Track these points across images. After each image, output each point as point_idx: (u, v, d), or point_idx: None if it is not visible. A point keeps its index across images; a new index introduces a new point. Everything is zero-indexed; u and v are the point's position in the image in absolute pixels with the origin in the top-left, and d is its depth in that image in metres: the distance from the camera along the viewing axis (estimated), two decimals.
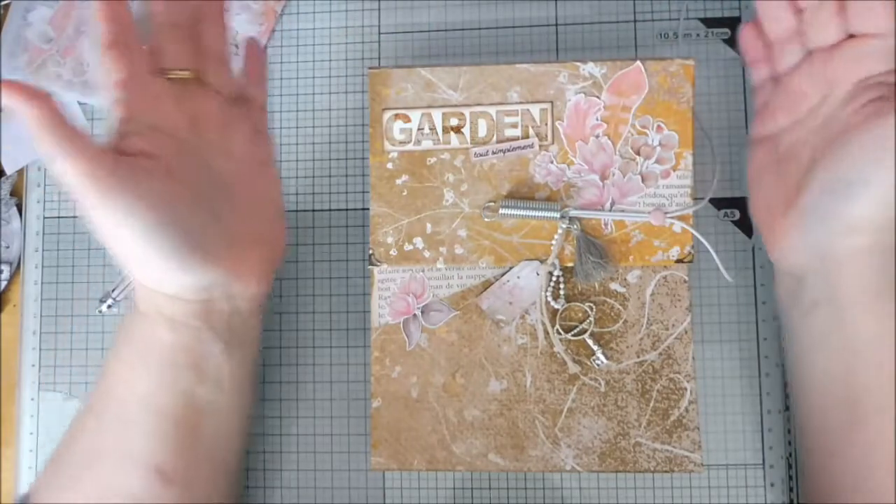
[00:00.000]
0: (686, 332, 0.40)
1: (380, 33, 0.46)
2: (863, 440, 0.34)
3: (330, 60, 0.47)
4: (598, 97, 0.40)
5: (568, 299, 0.41)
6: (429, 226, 0.41)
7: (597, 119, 0.40)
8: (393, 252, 0.41)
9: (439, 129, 0.41)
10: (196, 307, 0.37)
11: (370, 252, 0.42)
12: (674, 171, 0.40)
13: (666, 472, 0.39)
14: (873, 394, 0.34)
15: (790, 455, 0.42)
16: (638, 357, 0.40)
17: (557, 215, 0.40)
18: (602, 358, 0.40)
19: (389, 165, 0.42)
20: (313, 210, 0.46)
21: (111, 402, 0.37)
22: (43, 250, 0.47)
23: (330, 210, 0.45)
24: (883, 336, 0.34)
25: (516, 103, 0.41)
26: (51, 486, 0.37)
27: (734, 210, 0.44)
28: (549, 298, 0.41)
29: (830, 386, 0.36)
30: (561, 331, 0.40)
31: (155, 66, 0.36)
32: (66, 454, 0.37)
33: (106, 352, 0.39)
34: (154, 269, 0.35)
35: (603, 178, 0.40)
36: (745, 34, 0.39)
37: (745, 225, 0.44)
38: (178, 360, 0.37)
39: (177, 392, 0.37)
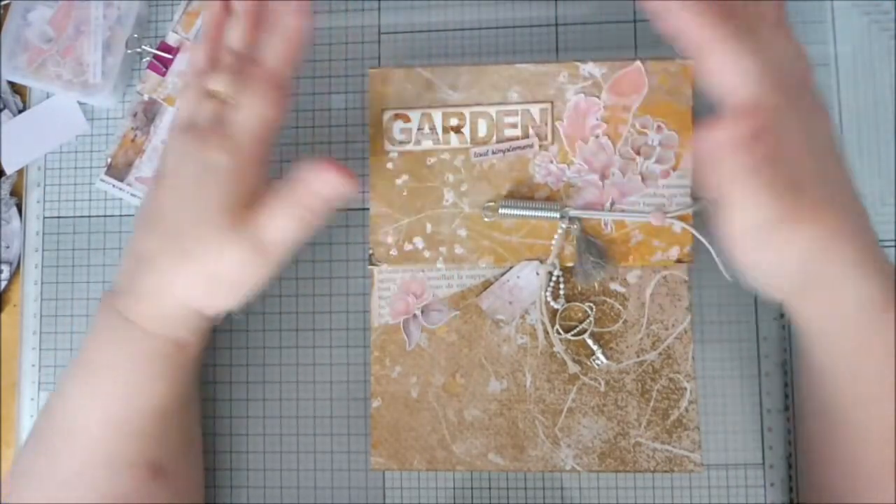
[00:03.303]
0: (686, 332, 0.40)
1: (380, 33, 0.46)
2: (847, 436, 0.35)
3: (330, 60, 0.47)
4: (598, 97, 0.40)
5: (568, 299, 0.41)
6: (429, 226, 0.41)
7: (597, 119, 0.40)
8: (393, 252, 0.41)
9: (439, 129, 0.41)
10: (210, 320, 0.39)
11: (370, 252, 0.42)
12: (674, 171, 0.40)
13: (666, 472, 0.39)
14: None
15: (790, 455, 0.42)
16: (638, 357, 0.40)
17: (557, 215, 0.40)
18: (602, 358, 0.40)
19: (389, 165, 0.42)
20: None
21: (101, 418, 0.37)
22: (43, 250, 0.47)
23: None
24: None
25: (516, 103, 0.41)
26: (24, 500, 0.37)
27: None
28: (549, 298, 0.41)
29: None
30: (561, 331, 0.40)
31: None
32: (38, 467, 0.37)
33: (69, 375, 0.38)
34: (238, 295, 0.37)
35: (603, 178, 0.40)
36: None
37: None
38: (179, 365, 0.38)
39: (179, 393, 0.39)
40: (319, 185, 0.36)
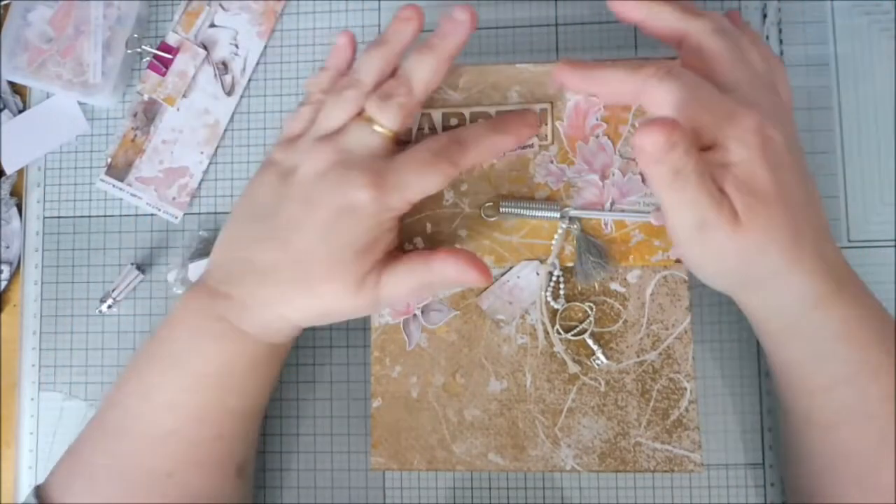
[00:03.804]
0: (686, 332, 0.40)
1: (380, 33, 0.46)
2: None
3: None
4: (597, 97, 0.40)
5: (568, 299, 0.41)
6: (429, 226, 0.41)
7: (597, 119, 0.40)
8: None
9: (439, 129, 0.41)
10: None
11: None
12: None
13: (666, 472, 0.39)
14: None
15: None
16: (638, 357, 0.40)
17: (557, 215, 0.40)
18: (602, 358, 0.40)
19: None
20: None
21: (184, 415, 0.36)
22: (43, 250, 0.47)
23: None
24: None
25: (516, 103, 0.41)
26: (91, 492, 0.36)
27: None
28: (549, 298, 0.41)
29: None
30: (561, 331, 0.40)
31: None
32: (118, 465, 0.36)
33: (149, 372, 0.37)
34: (341, 311, 0.37)
35: (603, 178, 0.40)
36: None
37: None
38: (274, 371, 0.39)
39: (264, 394, 0.39)
40: (453, 275, 0.36)
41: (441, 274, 0.36)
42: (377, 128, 0.36)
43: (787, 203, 0.33)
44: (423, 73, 0.37)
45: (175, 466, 0.36)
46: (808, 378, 0.35)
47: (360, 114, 0.36)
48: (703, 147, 0.33)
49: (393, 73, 0.38)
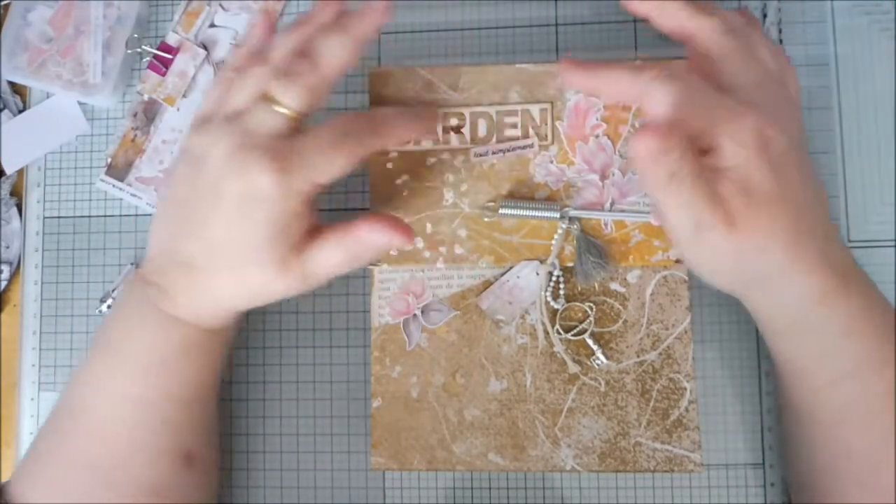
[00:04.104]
0: (686, 332, 0.40)
1: (380, 33, 0.46)
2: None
3: None
4: (598, 97, 0.40)
5: (568, 299, 0.41)
6: (429, 226, 0.41)
7: (597, 119, 0.40)
8: (393, 252, 0.41)
9: (439, 129, 0.41)
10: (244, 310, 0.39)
11: None
12: None
13: (666, 472, 0.39)
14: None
15: None
16: (638, 357, 0.40)
17: (557, 215, 0.40)
18: (602, 358, 0.40)
19: (389, 165, 0.42)
20: None
21: (128, 403, 0.37)
22: (43, 250, 0.47)
23: (330, 210, 0.45)
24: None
25: (516, 103, 0.41)
26: (48, 489, 0.37)
27: None
28: (549, 298, 0.41)
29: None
30: (561, 331, 0.40)
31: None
32: (66, 452, 0.37)
33: (95, 363, 0.38)
34: (271, 292, 0.37)
35: (603, 178, 0.40)
36: None
37: None
38: (215, 355, 0.39)
39: (205, 380, 0.39)
40: (379, 240, 0.36)
41: (368, 242, 0.36)
42: (279, 108, 0.34)
43: (787, 203, 0.33)
44: (331, 52, 0.35)
45: (121, 454, 0.36)
46: (812, 374, 0.35)
47: (264, 94, 0.35)
48: (703, 149, 0.33)
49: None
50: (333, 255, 0.36)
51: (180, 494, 0.38)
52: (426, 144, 0.42)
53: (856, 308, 0.34)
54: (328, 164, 0.34)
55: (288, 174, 0.33)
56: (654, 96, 0.33)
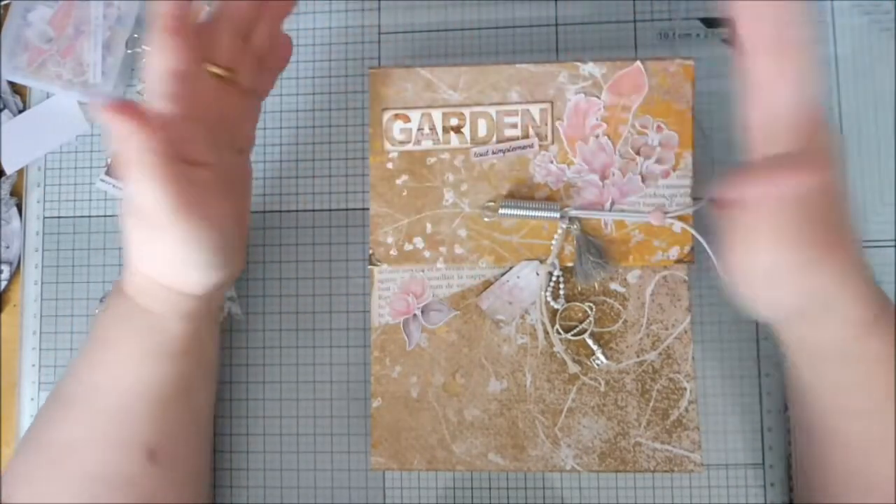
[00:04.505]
0: (686, 332, 0.40)
1: (380, 33, 0.46)
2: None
3: (330, 60, 0.47)
4: (598, 97, 0.40)
5: (568, 299, 0.41)
6: (429, 226, 0.41)
7: (597, 119, 0.40)
8: (393, 252, 0.41)
9: (439, 129, 0.41)
10: (206, 300, 0.38)
11: (370, 252, 0.42)
12: (674, 171, 0.40)
13: (666, 472, 0.39)
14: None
15: (790, 455, 0.42)
16: (638, 357, 0.40)
17: (557, 215, 0.40)
18: (602, 358, 0.40)
19: (389, 165, 0.42)
20: (313, 210, 0.46)
21: (96, 393, 0.37)
22: (43, 250, 0.47)
23: (330, 210, 0.45)
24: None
25: (516, 103, 0.41)
26: (20, 476, 0.37)
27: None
28: (549, 298, 0.41)
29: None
30: (561, 331, 0.40)
31: (202, 56, 0.34)
32: (36, 445, 0.38)
33: (81, 348, 0.39)
34: (199, 274, 0.36)
35: (603, 178, 0.40)
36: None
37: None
38: (183, 349, 0.38)
39: (175, 377, 0.38)
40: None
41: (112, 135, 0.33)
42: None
43: (847, 228, 0.33)
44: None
45: (83, 437, 0.37)
46: (839, 401, 0.35)
47: None
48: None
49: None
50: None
51: (143, 490, 0.38)
52: (426, 144, 0.42)
53: (889, 340, 0.33)
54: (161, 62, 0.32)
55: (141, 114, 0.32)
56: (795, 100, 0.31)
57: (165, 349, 0.38)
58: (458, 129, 0.41)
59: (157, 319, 0.37)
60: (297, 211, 0.46)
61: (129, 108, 0.31)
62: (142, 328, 0.37)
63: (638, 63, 0.40)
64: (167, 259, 0.35)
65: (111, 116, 0.31)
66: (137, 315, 0.37)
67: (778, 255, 0.33)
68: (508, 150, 0.41)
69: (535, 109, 0.41)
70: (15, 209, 0.48)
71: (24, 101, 0.49)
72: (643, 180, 0.40)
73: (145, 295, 0.37)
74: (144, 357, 0.37)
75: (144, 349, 0.37)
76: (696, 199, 0.40)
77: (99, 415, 0.37)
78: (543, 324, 0.41)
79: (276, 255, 0.45)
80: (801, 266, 0.32)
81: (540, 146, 0.41)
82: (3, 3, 0.48)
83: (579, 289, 0.41)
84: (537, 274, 0.41)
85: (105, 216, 0.47)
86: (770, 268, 0.33)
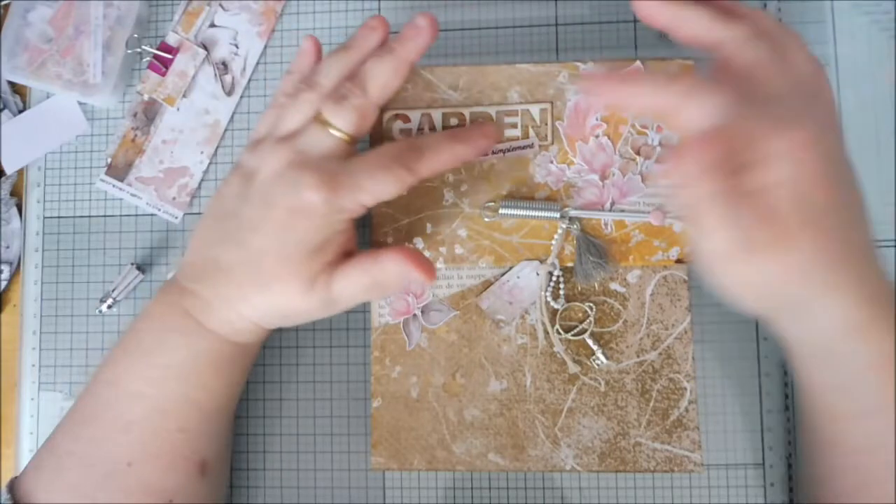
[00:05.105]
0: (686, 332, 0.40)
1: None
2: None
3: None
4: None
5: (568, 299, 0.41)
6: (429, 226, 0.41)
7: (597, 119, 0.40)
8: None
9: (439, 129, 0.42)
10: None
11: None
12: None
13: (666, 472, 0.39)
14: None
15: (790, 455, 0.42)
16: (638, 357, 0.40)
17: (557, 215, 0.40)
18: (602, 358, 0.40)
19: None
20: None
21: (146, 410, 0.37)
22: (43, 250, 0.47)
23: None
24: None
25: (516, 103, 0.41)
26: (67, 492, 0.36)
27: None
28: (549, 298, 0.41)
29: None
30: (561, 331, 0.40)
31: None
32: (81, 452, 0.37)
33: (121, 365, 0.38)
34: (295, 308, 0.37)
35: (603, 178, 0.40)
36: None
37: None
38: (237, 369, 0.39)
39: (230, 392, 0.40)
40: (399, 273, 0.36)
41: (390, 271, 0.36)
42: (332, 130, 0.36)
43: (833, 221, 0.31)
44: (380, 75, 0.37)
45: (135, 456, 0.37)
46: (836, 404, 0.34)
47: (317, 117, 0.37)
48: (744, 165, 0.31)
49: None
50: (358, 280, 0.36)
51: (195, 501, 0.38)
52: None
53: (887, 344, 0.32)
54: (376, 185, 0.35)
55: (336, 193, 0.35)
56: (691, 111, 0.31)
57: (240, 370, 0.39)
58: None
59: (235, 345, 0.38)
60: None
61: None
62: (218, 354, 0.38)
63: (638, 63, 0.40)
64: (275, 312, 0.37)
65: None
66: (213, 342, 0.38)
67: (717, 242, 0.32)
68: (508, 150, 0.41)
69: (535, 109, 0.41)
70: (15, 209, 0.48)
71: (24, 101, 0.49)
72: (643, 180, 0.40)
73: (230, 327, 0.37)
74: (220, 380, 0.38)
75: (219, 372, 0.38)
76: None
77: (159, 435, 0.37)
78: (543, 324, 0.41)
79: None
80: (746, 254, 0.31)
81: (540, 146, 0.41)
82: (3, 3, 0.48)
83: (579, 289, 0.41)
84: (537, 274, 0.41)
85: (105, 216, 0.47)
86: (715, 255, 0.32)
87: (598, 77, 0.34)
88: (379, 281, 0.37)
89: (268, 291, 0.36)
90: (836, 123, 0.35)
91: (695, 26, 0.34)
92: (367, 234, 0.43)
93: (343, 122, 0.36)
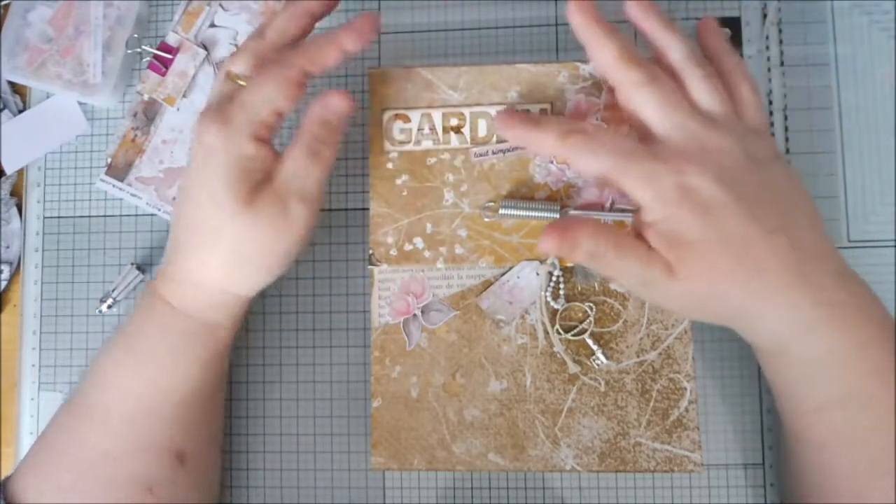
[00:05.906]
0: (686, 332, 0.40)
1: (380, 33, 0.46)
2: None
3: None
4: (597, 97, 0.40)
5: (568, 299, 0.41)
6: (429, 226, 0.41)
7: (597, 119, 0.40)
8: (393, 252, 0.41)
9: (439, 129, 0.42)
10: (245, 303, 0.40)
11: (370, 252, 0.42)
12: None
13: (666, 471, 0.39)
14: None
15: None
16: (638, 357, 0.40)
17: (557, 215, 0.40)
18: (602, 358, 0.40)
19: (389, 165, 0.42)
20: None
21: (130, 400, 0.38)
22: (43, 250, 0.47)
23: (330, 210, 0.45)
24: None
25: (516, 103, 0.41)
26: (50, 486, 0.37)
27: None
28: (549, 298, 0.41)
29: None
30: (561, 331, 0.40)
31: None
32: (64, 445, 0.38)
33: (105, 356, 0.39)
34: (266, 280, 0.39)
35: None
36: None
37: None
38: (225, 351, 0.40)
39: (213, 379, 0.40)
40: (321, 111, 0.37)
41: (313, 120, 0.37)
42: (237, 80, 0.37)
43: (728, 246, 0.33)
44: (279, 20, 0.38)
45: (117, 446, 0.37)
46: (798, 399, 0.35)
47: (227, 74, 0.38)
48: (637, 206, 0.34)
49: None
50: (299, 156, 0.37)
51: (173, 492, 0.38)
52: (426, 144, 0.42)
53: (844, 341, 0.33)
54: (265, 100, 0.36)
55: (226, 123, 0.36)
56: (576, 163, 0.35)
57: (210, 353, 0.39)
58: (458, 130, 0.42)
59: (202, 324, 0.38)
60: None
61: None
62: (186, 333, 0.38)
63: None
64: (227, 259, 0.37)
65: None
66: (181, 321, 0.38)
67: (629, 277, 0.35)
68: (508, 151, 0.41)
69: (535, 109, 0.41)
70: (15, 209, 0.48)
71: (24, 101, 0.49)
72: None
73: (194, 300, 0.38)
74: (190, 362, 0.38)
75: (188, 354, 0.38)
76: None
77: (134, 423, 0.37)
78: (543, 324, 0.41)
79: None
80: (652, 283, 0.34)
81: None
82: (3, 3, 0.48)
83: (579, 289, 0.41)
84: (537, 274, 0.41)
85: (105, 216, 0.47)
86: (635, 287, 0.36)
87: (508, 117, 0.37)
88: (314, 133, 0.37)
89: (215, 245, 0.37)
90: (750, 145, 0.35)
91: (600, 61, 0.36)
92: (367, 234, 0.43)
93: (237, 66, 0.37)
